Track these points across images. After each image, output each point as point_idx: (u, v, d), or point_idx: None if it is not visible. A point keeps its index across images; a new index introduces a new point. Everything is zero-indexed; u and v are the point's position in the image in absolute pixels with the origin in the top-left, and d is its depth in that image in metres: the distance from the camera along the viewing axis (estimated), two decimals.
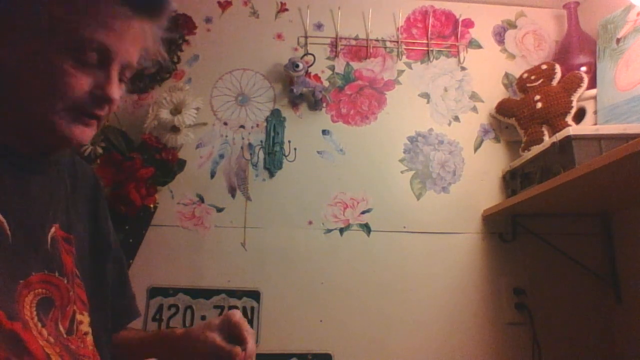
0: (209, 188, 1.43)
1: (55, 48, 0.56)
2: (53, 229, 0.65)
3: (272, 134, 1.48)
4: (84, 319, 0.66)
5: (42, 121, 0.59)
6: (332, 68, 1.55)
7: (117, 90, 0.62)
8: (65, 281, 0.64)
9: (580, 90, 1.33)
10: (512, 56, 1.62)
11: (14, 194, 0.60)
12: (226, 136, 1.47)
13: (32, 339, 0.54)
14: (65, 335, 0.61)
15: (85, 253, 0.73)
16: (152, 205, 1.37)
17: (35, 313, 0.57)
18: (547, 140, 1.27)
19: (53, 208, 0.67)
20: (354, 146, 1.50)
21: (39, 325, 0.57)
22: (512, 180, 1.44)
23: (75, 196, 0.74)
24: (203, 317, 1.33)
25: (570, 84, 1.34)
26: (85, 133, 0.62)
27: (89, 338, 0.67)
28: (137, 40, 0.63)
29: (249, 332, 0.73)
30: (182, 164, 1.42)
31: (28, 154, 0.64)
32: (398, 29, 1.60)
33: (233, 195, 1.43)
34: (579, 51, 1.44)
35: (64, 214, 0.69)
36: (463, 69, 1.59)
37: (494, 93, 1.57)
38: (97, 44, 0.58)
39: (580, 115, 1.36)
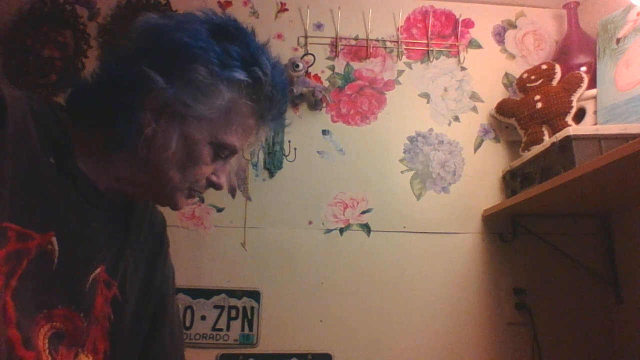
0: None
1: (208, 141, 0.66)
2: (98, 270, 0.66)
3: (272, 134, 1.48)
4: None
5: (166, 190, 0.67)
6: (332, 68, 1.55)
7: (226, 179, 0.73)
8: (86, 324, 0.64)
9: (580, 90, 1.33)
10: (512, 56, 1.62)
11: (77, 226, 0.62)
12: None
13: None
14: None
15: (129, 302, 0.73)
16: None
17: (47, 345, 0.57)
18: (547, 140, 1.27)
19: (105, 249, 0.67)
20: (354, 146, 1.50)
21: (50, 358, 0.57)
22: (512, 180, 1.44)
23: (135, 242, 0.74)
24: (203, 317, 1.33)
25: (570, 84, 1.34)
26: (186, 203, 0.72)
27: None
28: (253, 137, 0.73)
29: None
30: None
31: (102, 188, 0.65)
32: (398, 29, 1.60)
33: (233, 195, 1.43)
34: (579, 51, 1.44)
35: (114, 257, 0.69)
36: (463, 69, 1.59)
37: (494, 93, 1.57)
38: (232, 146, 0.68)
39: (580, 115, 1.36)
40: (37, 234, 0.56)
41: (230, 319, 1.34)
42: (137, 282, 0.75)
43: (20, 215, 0.54)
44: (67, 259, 0.59)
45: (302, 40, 1.56)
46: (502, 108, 1.50)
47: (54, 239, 0.57)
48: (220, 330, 1.33)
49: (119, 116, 0.61)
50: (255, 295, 1.36)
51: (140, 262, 0.76)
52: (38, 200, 0.56)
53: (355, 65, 1.56)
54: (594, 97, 1.33)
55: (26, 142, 0.56)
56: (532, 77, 1.45)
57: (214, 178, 0.70)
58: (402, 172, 1.50)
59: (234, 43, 0.65)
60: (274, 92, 0.69)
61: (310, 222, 1.44)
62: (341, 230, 1.44)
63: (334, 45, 1.57)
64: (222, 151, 0.68)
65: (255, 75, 0.66)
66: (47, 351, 0.56)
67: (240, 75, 0.64)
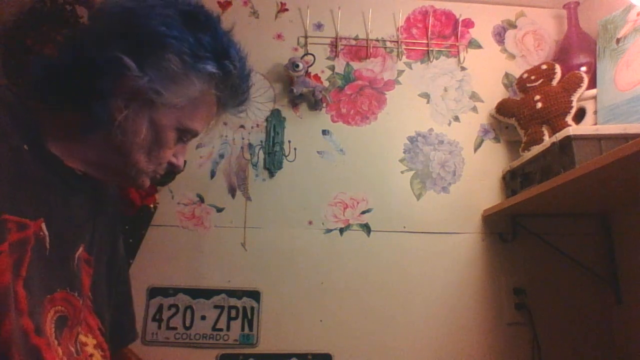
0: (209, 188, 1.43)
1: (174, 126, 0.68)
2: (80, 249, 0.67)
3: (272, 134, 1.48)
4: (88, 341, 0.67)
5: (131, 173, 0.69)
6: (332, 68, 1.55)
7: (183, 160, 0.76)
8: (81, 302, 0.65)
9: (580, 90, 1.33)
10: (512, 56, 1.62)
11: (59, 209, 0.62)
12: (226, 136, 1.47)
13: (52, 358, 0.55)
14: (75, 355, 0.62)
15: (102, 275, 0.74)
16: (152, 205, 1.37)
17: (53, 330, 0.58)
18: (547, 140, 1.27)
19: (83, 228, 0.69)
20: (354, 146, 1.50)
21: (56, 343, 0.57)
22: (512, 180, 1.44)
23: (99, 217, 0.75)
24: (203, 317, 1.33)
25: (570, 84, 1.34)
26: (148, 183, 0.74)
27: None
28: (212, 122, 0.77)
29: None
30: None
31: (77, 170, 0.66)
32: (398, 29, 1.60)
33: (233, 195, 1.43)
34: (579, 51, 1.44)
35: (89, 234, 0.71)
36: (463, 69, 1.59)
37: (494, 93, 1.57)
38: (195, 132, 0.71)
39: (580, 115, 1.36)
40: (31, 221, 0.56)
41: (230, 319, 1.34)
42: (104, 255, 0.76)
43: (14, 206, 0.54)
44: (56, 242, 0.60)
45: (302, 40, 1.56)
46: (502, 108, 1.50)
47: (43, 225, 0.58)
48: (220, 330, 1.33)
49: (91, 101, 0.61)
50: (255, 295, 1.36)
51: (104, 235, 0.77)
52: (25, 189, 0.57)
53: (355, 65, 1.56)
54: (594, 97, 1.33)
55: (3, 132, 0.56)
56: (532, 77, 1.45)
57: (173, 160, 0.73)
58: (402, 172, 1.50)
59: (205, 33, 0.66)
60: (240, 83, 0.72)
61: (310, 222, 1.44)
62: (341, 230, 1.44)
63: (334, 45, 1.57)
64: (185, 135, 0.71)
65: (226, 69, 0.67)
66: (53, 335, 0.57)
67: (212, 68, 0.66)
